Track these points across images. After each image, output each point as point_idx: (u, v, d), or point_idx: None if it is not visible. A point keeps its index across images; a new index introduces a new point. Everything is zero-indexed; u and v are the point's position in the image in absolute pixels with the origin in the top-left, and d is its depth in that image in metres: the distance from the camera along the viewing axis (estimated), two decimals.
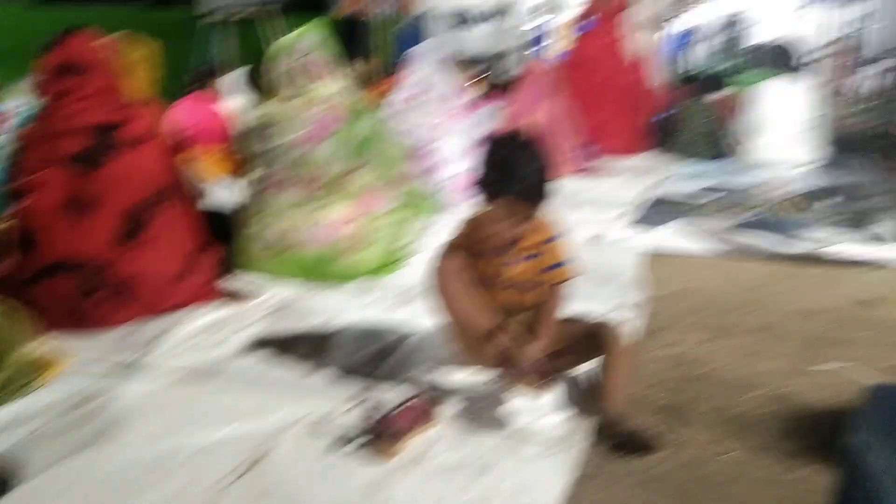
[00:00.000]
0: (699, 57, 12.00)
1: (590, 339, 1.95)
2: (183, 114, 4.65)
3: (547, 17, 13.01)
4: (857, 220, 3.74)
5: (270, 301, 2.76)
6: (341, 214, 3.01)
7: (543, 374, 1.79)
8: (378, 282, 2.99)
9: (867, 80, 9.87)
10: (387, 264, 3.10)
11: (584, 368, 2.05)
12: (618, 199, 4.44)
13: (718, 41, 11.55)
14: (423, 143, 4.30)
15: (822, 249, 3.16)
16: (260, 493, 1.62)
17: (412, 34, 13.69)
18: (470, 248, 1.98)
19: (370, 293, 2.88)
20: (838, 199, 4.23)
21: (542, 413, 1.85)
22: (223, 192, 4.16)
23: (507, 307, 1.99)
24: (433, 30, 14.66)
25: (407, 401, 1.80)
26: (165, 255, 2.60)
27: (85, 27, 2.64)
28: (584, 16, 6.45)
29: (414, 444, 1.74)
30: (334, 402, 1.97)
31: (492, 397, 1.94)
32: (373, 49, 11.23)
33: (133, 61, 3.10)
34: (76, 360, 2.26)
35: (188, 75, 4.95)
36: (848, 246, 3.21)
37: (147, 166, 2.56)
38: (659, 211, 4.18)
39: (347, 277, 3.00)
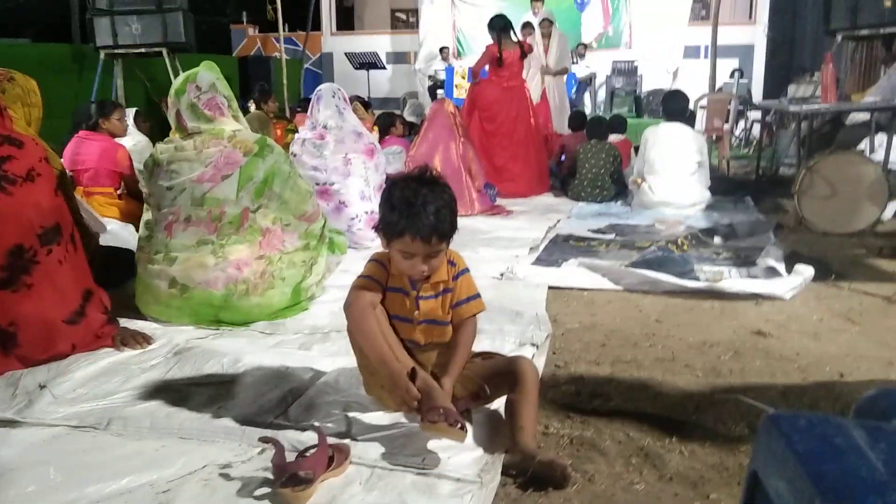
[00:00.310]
0: (597, 102, 12.60)
1: (503, 374, 1.97)
2: (74, 151, 4.46)
3: (450, 61, 13.36)
4: (741, 258, 3.98)
5: (170, 344, 2.64)
6: (243, 255, 2.93)
7: (458, 419, 1.77)
8: (283, 323, 2.92)
9: (744, 129, 10.64)
10: (292, 305, 3.04)
11: (496, 404, 2.06)
12: (521, 239, 4.54)
13: (615, 87, 12.18)
14: (327, 183, 4.27)
15: (717, 284, 3.33)
16: None
17: (316, 74, 13.72)
18: (380, 286, 1.97)
19: (275, 335, 2.80)
20: (722, 237, 4.50)
21: (455, 450, 1.83)
22: (119, 232, 3.99)
23: (423, 343, 2.00)
24: (338, 70, 14.74)
25: (317, 443, 1.74)
26: (53, 297, 2.45)
27: None
28: (483, 62, 6.64)
29: (326, 487, 1.68)
30: (240, 447, 1.88)
31: (404, 436, 1.91)
32: (276, 88, 11.17)
33: (15, 97, 2.96)
34: None
35: (79, 112, 4.74)
36: (741, 280, 3.39)
37: (32, 205, 2.41)
38: (560, 249, 4.30)
39: (251, 319, 2.91)
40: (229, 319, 2.88)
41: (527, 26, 7.90)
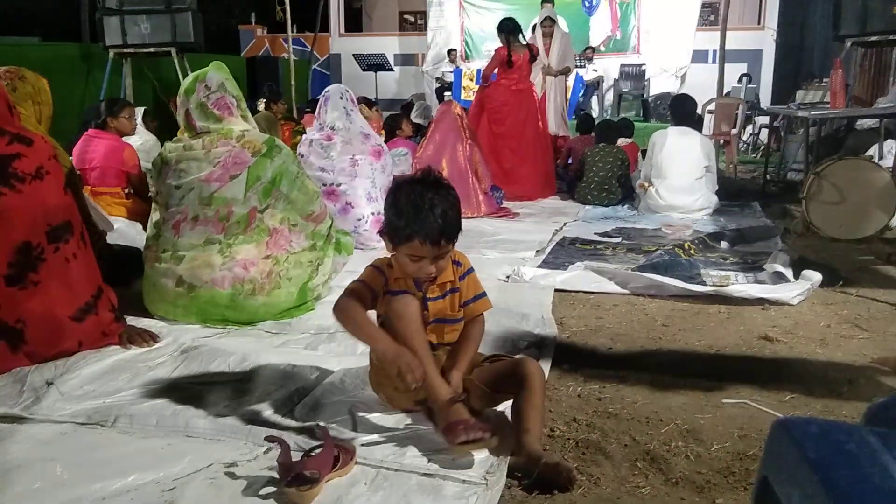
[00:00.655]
0: (605, 105, 12.59)
1: (509, 376, 1.97)
2: (82, 149, 4.47)
3: (458, 63, 13.37)
4: (748, 263, 3.97)
5: (176, 343, 2.65)
6: (250, 254, 2.93)
7: (480, 427, 1.78)
8: (289, 323, 2.92)
9: (751, 134, 10.62)
10: (298, 305, 3.04)
11: (502, 406, 2.06)
12: (527, 241, 4.54)
13: (622, 91, 12.17)
14: (334, 184, 4.28)
15: (724, 289, 3.32)
16: None
17: (324, 75, 13.75)
18: (371, 291, 1.99)
19: (281, 334, 2.81)
20: (729, 242, 4.50)
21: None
22: (127, 231, 4.00)
23: (435, 343, 2.02)
24: (345, 72, 14.77)
25: (323, 443, 1.74)
26: (59, 294, 2.45)
27: None
28: (493, 65, 6.64)
29: (332, 487, 1.68)
30: (246, 446, 1.88)
31: (410, 437, 1.91)
32: (284, 89, 11.19)
33: (25, 95, 2.98)
34: None
35: (90, 111, 4.76)
36: (748, 285, 3.38)
37: (41, 203, 2.42)
38: (567, 252, 4.30)
39: (257, 318, 2.92)
40: (235, 319, 2.89)
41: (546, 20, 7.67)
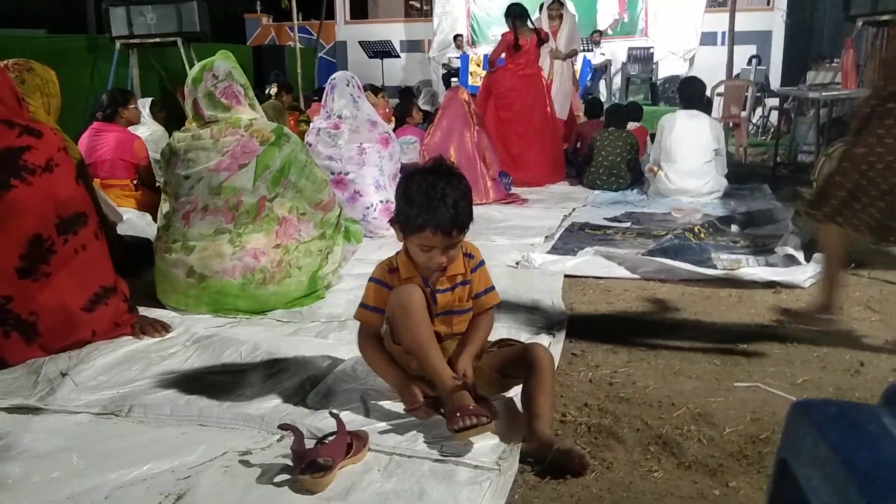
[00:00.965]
0: (613, 89, 12.51)
1: (519, 362, 1.97)
2: (90, 143, 4.48)
3: (465, 49, 13.31)
4: (759, 246, 3.95)
5: (188, 333, 2.66)
6: (260, 244, 2.94)
7: (479, 413, 1.78)
8: (300, 312, 2.93)
9: (761, 116, 10.54)
10: (308, 294, 3.05)
11: (512, 392, 2.06)
12: (536, 227, 4.53)
13: (630, 75, 12.09)
14: (342, 173, 4.28)
15: (734, 272, 3.30)
16: None
17: (330, 63, 13.71)
18: (378, 314, 2.02)
19: (292, 323, 2.82)
20: (739, 226, 4.47)
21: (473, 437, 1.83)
22: (137, 222, 4.02)
23: (443, 335, 2.01)
24: (352, 59, 14.72)
25: (336, 431, 1.75)
26: (70, 286, 2.47)
27: None
28: (500, 50, 6.60)
29: (345, 474, 1.69)
30: (259, 434, 1.90)
31: (422, 423, 1.92)
32: (290, 77, 11.17)
33: (34, 87, 2.98)
34: None
35: (97, 102, 4.76)
36: (759, 268, 3.36)
37: (51, 195, 2.43)
38: (576, 238, 4.29)
39: (268, 307, 2.93)
40: (246, 308, 2.90)
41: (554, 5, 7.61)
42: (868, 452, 0.55)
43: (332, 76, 4.60)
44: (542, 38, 6.57)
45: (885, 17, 5.78)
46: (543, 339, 2.58)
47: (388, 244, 4.03)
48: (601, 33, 12.79)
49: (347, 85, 4.45)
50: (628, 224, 4.69)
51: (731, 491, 1.66)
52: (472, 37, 13.98)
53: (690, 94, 5.75)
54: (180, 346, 2.55)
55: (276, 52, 13.08)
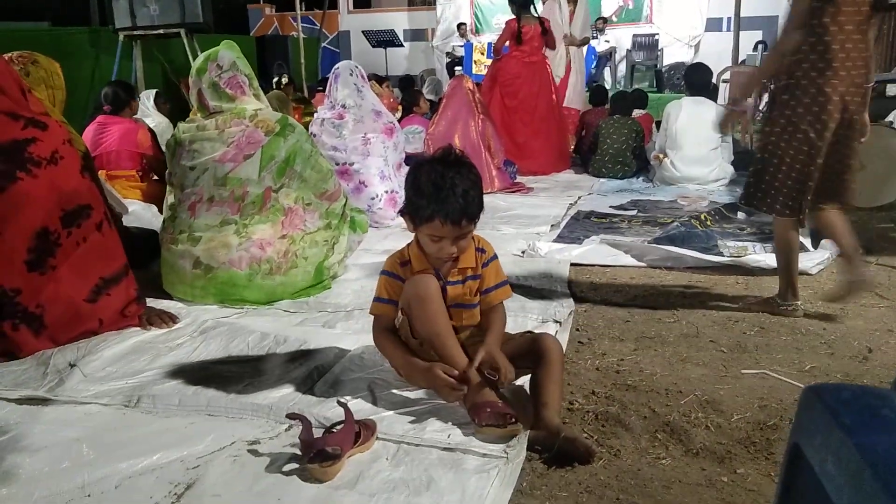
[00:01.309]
0: (617, 77, 12.45)
1: (527, 352, 1.97)
2: (95, 137, 4.49)
3: (468, 37, 13.26)
4: (765, 233, 3.93)
5: (196, 323, 2.67)
6: (266, 234, 2.94)
7: (506, 412, 1.80)
8: (306, 302, 2.94)
9: (767, 103, 10.47)
10: (314, 284, 3.05)
11: (521, 381, 2.06)
12: (542, 216, 4.52)
13: (635, 62, 12.03)
14: (347, 164, 4.27)
15: (741, 259, 3.29)
16: None
17: (334, 53, 13.68)
18: (392, 306, 2.03)
19: (299, 313, 2.82)
20: (746, 213, 4.45)
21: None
22: (142, 213, 4.03)
23: (455, 326, 2.01)
24: (355, 49, 14.68)
25: (344, 419, 1.75)
26: (80, 278, 2.47)
27: None
28: (504, 38, 6.57)
29: (353, 462, 1.70)
30: (268, 423, 1.90)
31: (430, 412, 1.92)
32: (294, 68, 11.15)
33: (39, 79, 2.98)
34: None
35: (102, 95, 4.76)
36: (765, 255, 3.35)
37: (56, 187, 2.43)
38: (582, 226, 4.28)
39: (275, 298, 2.93)
40: (253, 299, 2.90)
41: None
42: (883, 436, 0.54)
43: (336, 66, 4.58)
44: (545, 27, 6.53)
45: (893, 1, 5.72)
46: (550, 328, 2.58)
47: (393, 234, 4.03)
48: (606, 20, 12.72)
49: (351, 74, 4.43)
50: (634, 212, 4.68)
51: (739, 478, 1.66)
52: (475, 25, 13.92)
53: (696, 80, 5.71)
54: (188, 336, 2.56)
55: (280, 43, 13.05)
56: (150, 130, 4.77)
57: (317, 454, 1.65)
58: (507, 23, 6.56)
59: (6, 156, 2.34)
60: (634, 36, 12.46)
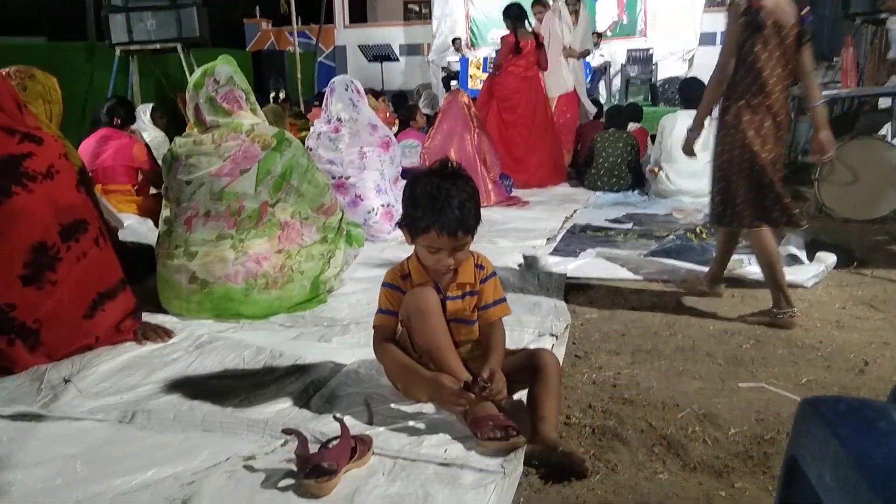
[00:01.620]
0: (612, 91, 12.52)
1: (527, 367, 1.97)
2: (90, 147, 4.49)
3: (464, 52, 13.32)
4: None
5: (191, 338, 2.66)
6: (263, 249, 2.93)
7: (509, 425, 1.80)
8: (302, 316, 2.93)
9: None
10: (311, 298, 3.05)
11: (518, 395, 2.05)
12: (538, 229, 4.53)
13: (630, 76, 12.09)
14: (343, 177, 4.28)
15: (737, 272, 3.30)
16: None
17: (330, 67, 13.71)
18: (393, 316, 2.02)
19: (295, 327, 2.81)
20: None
21: (477, 440, 1.83)
22: (138, 228, 4.02)
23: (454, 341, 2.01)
24: (351, 63, 14.72)
25: (340, 435, 1.75)
26: (76, 293, 2.46)
27: None
28: (504, 52, 6.60)
29: (350, 478, 1.69)
30: (263, 439, 1.89)
31: (426, 427, 1.92)
32: (290, 82, 11.18)
33: (36, 94, 2.98)
34: None
35: (106, 108, 4.78)
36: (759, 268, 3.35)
37: (52, 202, 2.43)
38: (578, 239, 4.29)
39: (271, 312, 2.92)
40: (249, 313, 2.89)
41: (538, 2, 7.39)
42: (879, 449, 0.54)
43: (332, 80, 4.60)
44: (539, 42, 6.57)
45: (884, 16, 5.77)
46: (547, 342, 2.57)
47: (390, 247, 4.03)
48: (600, 35, 12.79)
49: (346, 89, 4.45)
50: (630, 225, 4.69)
51: (737, 492, 1.66)
52: (471, 40, 13.99)
53: (691, 94, 5.72)
54: (183, 351, 2.55)
55: (276, 57, 13.10)
56: (146, 145, 4.78)
57: (313, 470, 1.64)
58: (503, 38, 6.60)
59: (1, 171, 2.34)
60: (629, 50, 12.54)
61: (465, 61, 12.76)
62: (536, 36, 6.60)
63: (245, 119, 3.06)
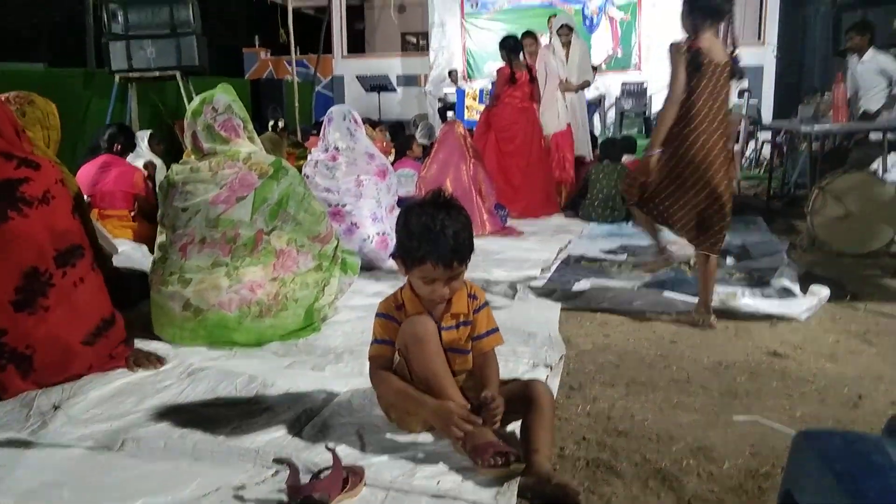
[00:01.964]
0: (607, 123, 12.62)
1: (521, 398, 1.96)
2: (91, 173, 4.50)
3: (460, 84, 13.45)
4: (755, 278, 3.95)
5: (183, 365, 2.64)
6: (257, 276, 2.93)
7: (507, 451, 1.78)
8: (296, 344, 2.92)
9: (754, 150, 10.63)
10: (305, 326, 3.04)
11: (512, 427, 2.04)
12: (532, 259, 4.53)
13: (624, 109, 12.20)
14: (339, 205, 4.29)
15: (732, 303, 3.30)
16: None
17: (328, 97, 13.81)
18: (390, 346, 2.01)
19: (288, 356, 2.80)
20: (735, 258, 4.48)
21: (470, 472, 1.81)
22: (132, 254, 4.01)
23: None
24: (349, 93, 14.83)
25: (332, 465, 1.73)
26: (69, 319, 2.45)
27: None
28: (501, 83, 6.66)
29: None
30: (254, 468, 1.87)
31: (419, 458, 1.90)
32: (288, 111, 11.24)
33: (35, 119, 3.00)
34: None
35: (98, 134, 4.80)
36: (755, 300, 3.36)
37: (47, 227, 2.43)
38: (572, 270, 4.29)
39: (264, 340, 2.91)
40: (242, 341, 2.88)
41: (528, 35, 7.24)
42: (874, 482, 0.54)
43: (330, 110, 4.64)
44: (532, 76, 6.64)
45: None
46: (540, 372, 2.57)
47: (384, 276, 4.03)
48: (595, 68, 12.91)
49: (344, 119, 4.48)
50: (624, 256, 4.70)
51: None
52: (467, 72, 14.12)
53: None
54: (175, 378, 2.53)
55: (274, 86, 13.18)
56: (145, 173, 4.80)
57: (304, 500, 1.62)
58: (499, 70, 6.67)
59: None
60: (623, 83, 12.65)
61: (461, 93, 12.86)
62: (529, 69, 6.67)
63: (242, 147, 3.07)
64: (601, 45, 13.50)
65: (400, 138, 6.77)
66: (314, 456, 1.91)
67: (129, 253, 4.05)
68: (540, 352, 2.78)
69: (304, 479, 1.72)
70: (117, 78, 7.63)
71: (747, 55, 12.35)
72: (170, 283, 2.91)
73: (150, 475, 1.84)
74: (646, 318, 3.33)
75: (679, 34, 3.23)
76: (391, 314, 2.03)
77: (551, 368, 2.63)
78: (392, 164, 5.55)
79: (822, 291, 3.38)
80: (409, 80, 15.01)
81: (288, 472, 1.70)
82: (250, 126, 3.17)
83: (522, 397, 1.96)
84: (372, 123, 8.05)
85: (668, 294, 3.45)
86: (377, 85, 13.29)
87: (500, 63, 6.67)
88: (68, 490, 1.77)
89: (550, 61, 7.05)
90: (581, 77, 7.22)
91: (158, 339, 2.93)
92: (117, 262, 3.44)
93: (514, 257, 4.62)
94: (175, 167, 3.09)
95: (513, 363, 2.63)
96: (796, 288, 3.53)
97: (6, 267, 2.33)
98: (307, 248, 3.11)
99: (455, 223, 1.89)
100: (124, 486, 1.78)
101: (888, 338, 3.01)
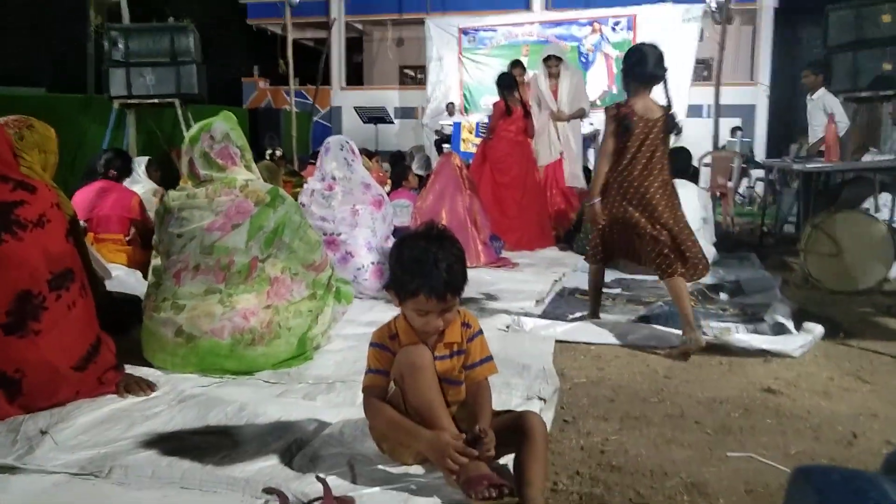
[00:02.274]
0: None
1: (511, 430, 1.94)
2: (88, 197, 4.51)
3: (457, 117, 13.57)
4: (748, 314, 3.96)
5: (174, 392, 2.62)
6: (251, 304, 2.92)
7: (502, 483, 1.76)
8: (288, 373, 2.90)
9: (747, 187, 10.73)
10: (297, 355, 3.02)
11: (504, 459, 2.02)
12: (527, 291, 4.53)
13: None
14: (334, 234, 4.30)
15: (726, 338, 3.30)
16: None
17: (326, 127, 13.92)
18: (384, 376, 1.99)
19: (280, 384, 2.78)
20: (728, 294, 4.49)
21: None
22: (126, 279, 4.00)
23: None
24: (347, 124, 14.94)
25: (322, 495, 1.71)
26: (61, 343, 2.43)
27: None
28: (496, 117, 6.73)
29: None
30: (243, 498, 1.84)
31: (409, 489, 1.88)
32: (285, 140, 11.31)
33: (33, 143, 3.00)
34: None
35: (94, 159, 4.81)
36: (749, 336, 3.36)
37: (42, 250, 2.42)
38: (567, 303, 4.29)
39: (256, 368, 2.89)
40: (234, 369, 2.86)
41: (517, 65, 7.40)
42: None
43: (327, 140, 4.67)
44: (527, 110, 6.71)
45: (864, 94, 5.95)
46: (534, 405, 2.55)
47: (378, 305, 4.02)
48: (590, 104, 13.06)
49: (341, 149, 4.51)
50: (618, 290, 4.70)
51: None
52: (464, 105, 14.26)
53: (678, 164, 5.81)
54: (165, 405, 2.50)
55: (272, 115, 13.29)
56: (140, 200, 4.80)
57: None
58: (495, 104, 6.77)
59: None
60: None
61: (457, 126, 12.97)
62: (524, 104, 6.75)
63: (239, 174, 3.08)
64: (596, 81, 13.65)
65: (398, 167, 6.80)
66: (304, 486, 1.88)
67: (123, 278, 4.03)
68: (534, 384, 2.77)
69: None
70: (116, 104, 7.67)
71: (740, 94, 12.58)
72: (163, 308, 2.90)
73: (138, 503, 1.81)
74: (640, 351, 3.32)
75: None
76: (385, 344, 2.02)
77: (545, 401, 2.61)
78: (388, 194, 5.57)
79: (816, 329, 3.38)
80: (407, 113, 15.15)
81: (278, 502, 1.68)
82: (248, 154, 3.19)
83: (516, 429, 1.94)
84: (368, 154, 8.10)
85: (661, 329, 3.44)
86: (375, 117, 13.40)
87: (497, 97, 6.76)
88: None
89: (544, 92, 7.10)
90: (574, 106, 7.16)
91: (149, 365, 2.90)
92: (110, 287, 3.43)
93: (509, 289, 4.62)
94: (171, 193, 3.09)
95: (506, 395, 2.61)
96: (790, 324, 3.53)
97: None
98: (301, 277, 3.11)
99: (448, 255, 1.89)
100: None
101: (882, 376, 3.01)
